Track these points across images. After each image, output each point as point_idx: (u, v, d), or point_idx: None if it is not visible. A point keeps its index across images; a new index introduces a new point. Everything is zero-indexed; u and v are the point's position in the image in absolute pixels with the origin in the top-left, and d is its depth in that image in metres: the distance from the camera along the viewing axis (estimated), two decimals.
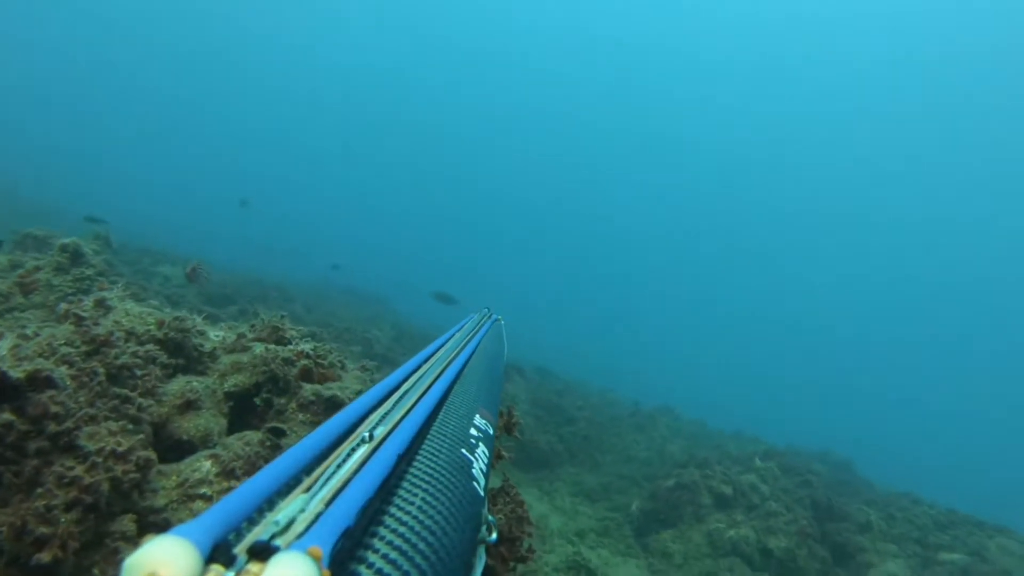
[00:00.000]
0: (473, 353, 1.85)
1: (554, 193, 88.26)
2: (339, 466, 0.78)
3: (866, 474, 14.67)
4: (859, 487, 12.31)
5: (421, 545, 0.74)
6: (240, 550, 0.53)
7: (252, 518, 0.61)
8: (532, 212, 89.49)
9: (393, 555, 0.69)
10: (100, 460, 1.79)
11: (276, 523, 0.60)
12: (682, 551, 7.88)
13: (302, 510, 0.64)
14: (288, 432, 2.83)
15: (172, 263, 13.64)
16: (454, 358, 1.59)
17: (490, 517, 1.11)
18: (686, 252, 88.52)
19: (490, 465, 1.28)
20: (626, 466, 11.61)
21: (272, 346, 3.11)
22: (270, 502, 0.66)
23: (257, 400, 2.97)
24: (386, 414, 1.02)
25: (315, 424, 2.99)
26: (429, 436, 1.08)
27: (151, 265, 12.72)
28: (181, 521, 2.07)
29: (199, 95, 67.56)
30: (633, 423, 14.44)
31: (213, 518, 0.55)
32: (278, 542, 0.57)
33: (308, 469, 0.76)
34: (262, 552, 0.52)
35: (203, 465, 2.22)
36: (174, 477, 2.16)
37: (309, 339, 3.42)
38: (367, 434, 0.88)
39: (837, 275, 79.90)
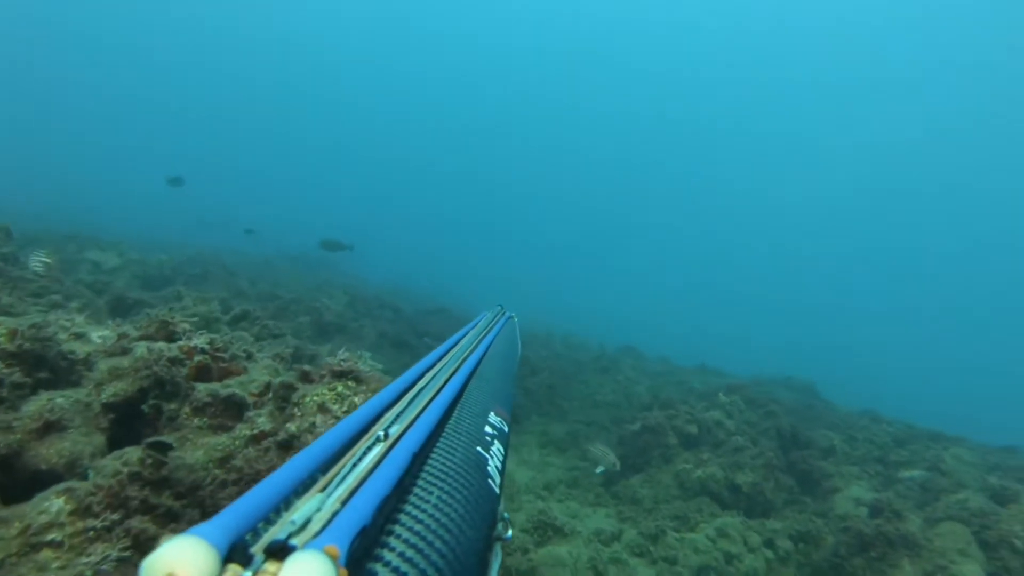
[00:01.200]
0: (487, 351, 1.82)
1: (505, 140, 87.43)
2: (355, 465, 0.78)
3: (829, 396, 14.91)
4: (822, 411, 12.45)
5: (438, 543, 0.74)
6: (257, 549, 0.53)
7: (269, 517, 0.61)
8: (478, 160, 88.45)
9: (410, 553, 0.69)
10: None
11: (293, 522, 0.60)
12: (651, 495, 7.81)
13: (318, 509, 0.64)
14: (178, 443, 2.49)
15: (101, 248, 12.94)
16: (468, 356, 1.57)
17: (505, 514, 1.10)
18: (641, 193, 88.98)
19: (505, 463, 1.27)
20: (593, 412, 11.52)
21: (157, 345, 2.74)
22: (287, 501, 0.65)
23: (145, 407, 2.62)
24: (401, 412, 1.01)
25: (213, 428, 2.66)
26: (444, 434, 1.07)
27: (76, 252, 12.03)
28: None
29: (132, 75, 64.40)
30: (598, 367, 14.35)
31: (230, 517, 0.55)
32: (295, 541, 0.56)
33: (324, 468, 0.76)
34: (279, 551, 0.52)
35: (53, 504, 1.86)
36: (16, 524, 1.81)
37: (204, 332, 3.04)
38: (382, 432, 0.88)
39: (786, 205, 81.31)
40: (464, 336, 1.87)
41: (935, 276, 73.24)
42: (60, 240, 12.70)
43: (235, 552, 0.51)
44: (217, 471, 2.41)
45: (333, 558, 0.50)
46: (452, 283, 34.75)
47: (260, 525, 0.59)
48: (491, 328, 2.20)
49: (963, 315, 68.51)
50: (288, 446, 2.28)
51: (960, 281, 72.03)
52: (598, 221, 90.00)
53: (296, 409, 2.35)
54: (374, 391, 2.39)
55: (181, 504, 2.36)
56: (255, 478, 2.20)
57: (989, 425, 17.01)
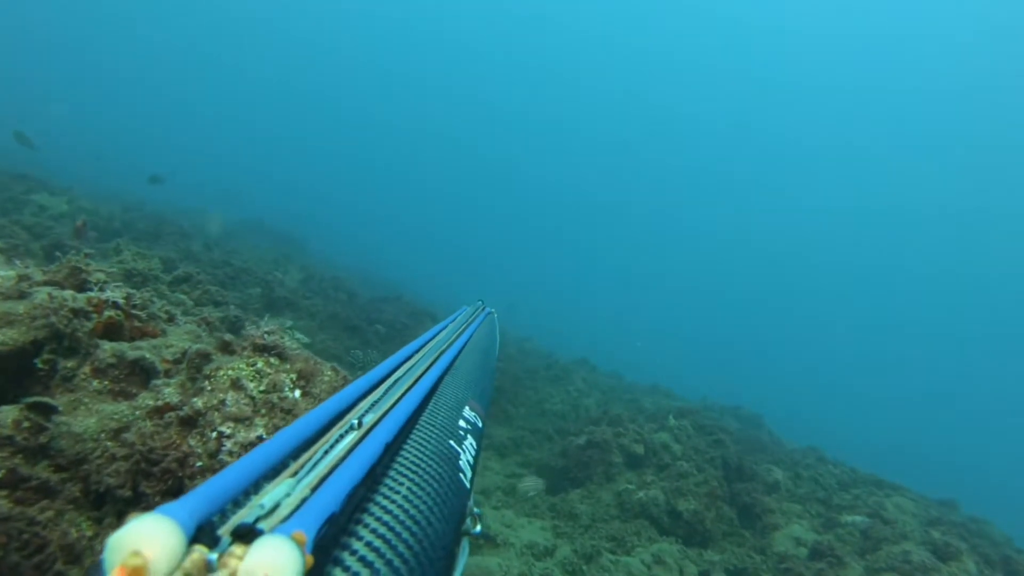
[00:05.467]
0: (465, 345, 1.82)
1: (481, 141, 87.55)
2: (327, 452, 0.78)
3: (774, 428, 14.96)
4: (768, 444, 12.44)
5: (405, 534, 0.74)
6: (224, 532, 0.53)
7: (238, 500, 0.61)
8: (457, 159, 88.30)
9: (377, 543, 0.69)
10: None
11: (261, 506, 0.60)
12: (590, 512, 7.60)
13: (288, 494, 0.64)
14: (70, 407, 2.17)
15: (51, 192, 12.30)
16: (446, 349, 1.58)
17: (476, 509, 1.10)
18: (604, 210, 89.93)
19: (478, 457, 1.27)
20: (539, 420, 11.31)
21: (61, 292, 2.40)
22: (256, 485, 0.65)
23: (38, 362, 2.28)
24: (376, 402, 1.02)
25: (114, 394, 2.34)
26: (418, 426, 1.07)
27: (23, 193, 11.39)
28: None
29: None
30: (549, 376, 14.15)
31: (198, 499, 0.54)
32: (262, 525, 0.57)
33: (296, 454, 0.76)
34: (246, 535, 0.52)
35: None
36: None
37: (120, 286, 2.69)
38: (356, 421, 0.88)
39: (744, 237, 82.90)
40: (443, 329, 1.88)
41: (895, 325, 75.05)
42: (7, 180, 12.04)
43: (202, 533, 0.50)
44: (109, 443, 2.09)
45: (300, 544, 0.49)
46: (416, 274, 34.49)
47: (228, 508, 0.59)
48: (470, 323, 2.21)
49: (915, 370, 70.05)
50: (192, 423, 1.98)
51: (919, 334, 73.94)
52: (568, 233, 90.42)
53: (207, 382, 2.04)
54: (299, 372, 2.10)
55: (60, 478, 2.04)
56: (146, 456, 1.89)
57: (928, 477, 17.34)
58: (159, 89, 64.26)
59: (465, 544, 1.02)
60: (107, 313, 2.49)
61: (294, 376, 2.08)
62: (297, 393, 2.06)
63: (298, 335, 4.17)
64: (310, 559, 0.50)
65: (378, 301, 14.27)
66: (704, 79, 77.73)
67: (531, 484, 8.35)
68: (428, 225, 73.43)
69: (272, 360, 2.09)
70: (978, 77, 62.28)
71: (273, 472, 0.69)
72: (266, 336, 2.09)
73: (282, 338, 2.12)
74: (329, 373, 2.22)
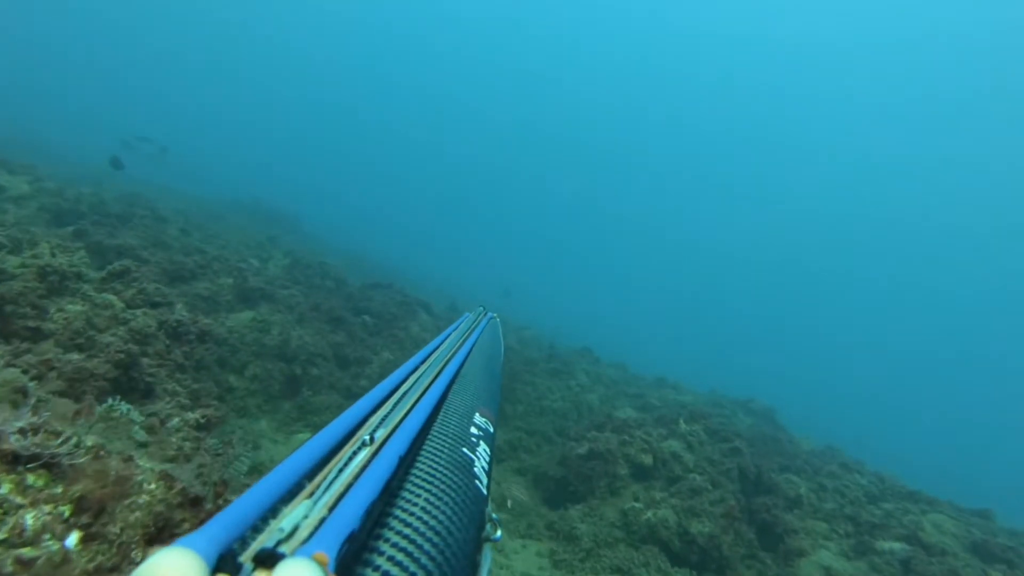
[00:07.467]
0: (470, 352, 1.77)
1: (488, 132, 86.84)
2: (341, 470, 0.76)
3: (787, 423, 14.16)
4: (784, 443, 11.58)
5: (426, 546, 0.73)
6: (246, 558, 0.53)
7: (257, 526, 0.60)
8: (464, 147, 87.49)
9: (399, 557, 0.68)
10: None
11: (281, 530, 0.59)
12: (592, 533, 6.76)
13: (306, 516, 0.63)
14: None
15: (11, 171, 11.39)
16: (451, 357, 1.55)
17: (494, 515, 1.06)
18: (612, 196, 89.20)
19: (492, 463, 1.22)
20: (538, 419, 10.46)
21: None
22: (274, 509, 0.64)
23: None
24: (386, 416, 0.99)
25: None
26: (430, 436, 1.06)
27: None
28: None
29: None
30: (549, 368, 13.24)
31: (218, 527, 0.54)
32: (283, 549, 0.55)
33: (310, 475, 0.74)
34: (268, 560, 0.51)
35: None
36: None
37: None
38: (368, 437, 0.86)
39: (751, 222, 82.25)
40: (447, 337, 1.82)
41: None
42: None
43: (224, 562, 0.50)
44: None
45: (322, 564, 0.49)
46: (414, 256, 33.76)
47: (248, 534, 0.57)
48: (473, 329, 2.15)
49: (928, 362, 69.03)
50: None
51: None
52: (573, 218, 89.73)
53: None
54: (80, 499, 1.19)
55: None
56: None
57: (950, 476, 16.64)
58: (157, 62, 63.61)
59: (487, 551, 0.96)
60: None
61: (68, 508, 1.17)
62: (72, 538, 1.15)
63: (132, 414, 2.90)
64: None
65: (368, 288, 13.34)
66: (712, 81, 77.08)
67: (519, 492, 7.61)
68: (428, 207, 72.86)
69: (33, 479, 1.19)
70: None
71: (289, 495, 0.66)
72: (23, 437, 1.17)
73: (56, 441, 1.20)
74: (153, 487, 1.31)
